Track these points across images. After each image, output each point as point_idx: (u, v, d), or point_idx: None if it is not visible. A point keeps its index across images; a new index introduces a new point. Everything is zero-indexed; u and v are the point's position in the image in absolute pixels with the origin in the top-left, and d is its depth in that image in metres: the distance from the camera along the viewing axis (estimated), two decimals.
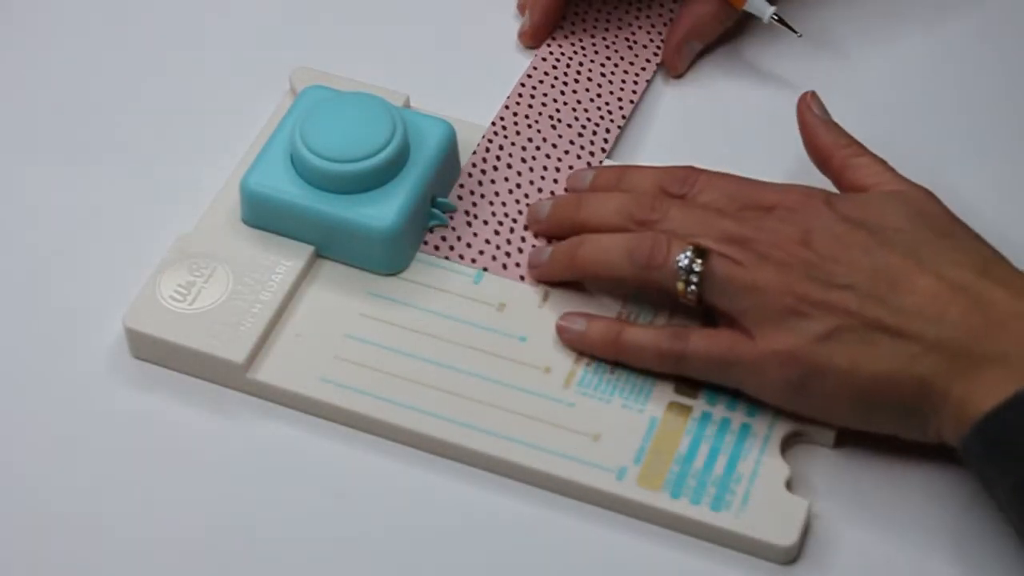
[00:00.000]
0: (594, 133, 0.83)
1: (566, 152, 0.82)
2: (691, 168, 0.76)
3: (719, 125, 0.85)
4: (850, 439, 0.72)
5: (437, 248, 0.78)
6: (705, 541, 0.70)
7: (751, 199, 0.74)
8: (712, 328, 0.72)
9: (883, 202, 0.72)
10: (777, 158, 0.81)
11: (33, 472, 0.72)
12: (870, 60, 0.87)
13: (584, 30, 0.87)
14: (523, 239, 0.78)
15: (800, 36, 0.85)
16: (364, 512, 0.71)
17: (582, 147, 0.82)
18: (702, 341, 0.72)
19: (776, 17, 0.84)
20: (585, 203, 0.77)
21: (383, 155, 0.76)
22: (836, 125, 0.77)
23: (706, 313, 0.73)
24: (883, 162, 0.75)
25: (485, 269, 0.77)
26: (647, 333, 0.73)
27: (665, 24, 0.87)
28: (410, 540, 0.70)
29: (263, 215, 0.77)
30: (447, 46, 0.88)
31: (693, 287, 0.71)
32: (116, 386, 0.74)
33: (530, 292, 0.76)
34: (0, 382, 0.75)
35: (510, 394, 0.73)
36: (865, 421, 0.70)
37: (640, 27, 0.87)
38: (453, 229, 0.79)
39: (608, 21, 0.88)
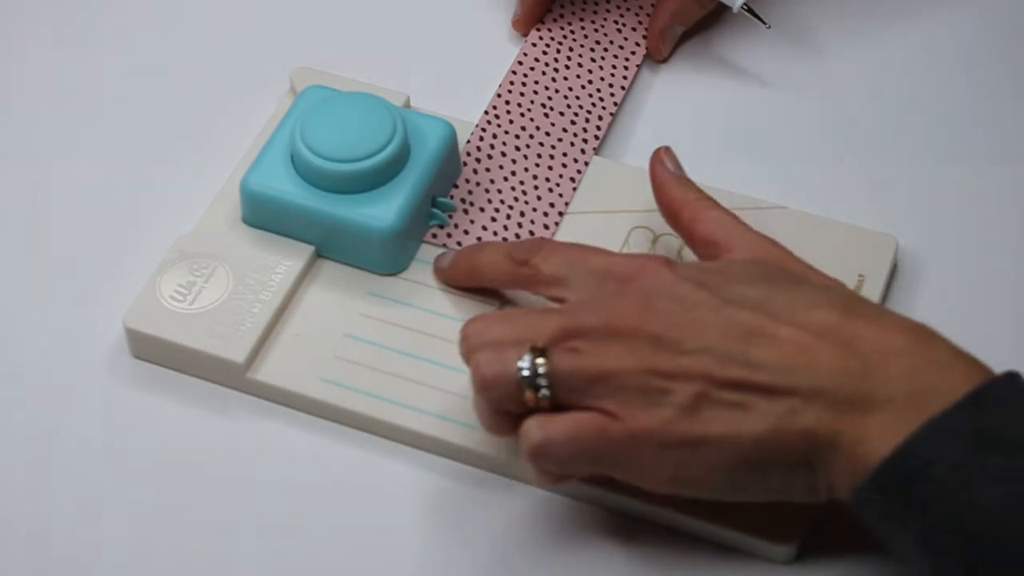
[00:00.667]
0: (587, 120, 0.83)
1: (559, 140, 0.82)
2: (539, 239, 0.74)
3: (707, 112, 0.85)
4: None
5: (435, 236, 0.78)
6: (705, 541, 0.70)
7: (588, 269, 0.70)
8: (580, 414, 0.66)
9: (725, 262, 0.70)
10: (759, 144, 0.82)
11: (33, 471, 0.72)
12: (846, 53, 0.87)
13: (573, 13, 0.88)
14: (520, 225, 0.78)
15: (769, 27, 0.85)
16: (364, 511, 0.71)
17: (575, 135, 0.82)
18: (563, 425, 0.66)
19: (746, 7, 0.84)
20: (476, 249, 0.75)
21: (383, 155, 0.76)
22: (688, 180, 0.75)
23: None
24: (733, 216, 0.72)
25: None
26: (524, 445, 0.67)
27: (653, 5, 0.88)
28: (410, 539, 0.70)
29: (263, 215, 0.77)
30: (447, 46, 0.88)
31: (544, 391, 0.66)
32: (116, 386, 0.75)
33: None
34: (1, 382, 0.75)
35: None
36: (753, 490, 0.66)
37: (628, 9, 0.88)
38: (450, 217, 0.79)
39: (596, 4, 0.88)
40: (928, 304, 0.78)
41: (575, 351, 0.66)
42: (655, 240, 0.78)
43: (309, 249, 0.77)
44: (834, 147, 0.84)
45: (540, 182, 0.80)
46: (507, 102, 0.83)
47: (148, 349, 0.75)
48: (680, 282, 0.67)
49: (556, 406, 0.66)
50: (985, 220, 0.81)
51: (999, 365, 0.75)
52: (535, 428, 0.66)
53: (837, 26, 0.88)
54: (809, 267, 0.70)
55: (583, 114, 0.83)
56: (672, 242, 0.78)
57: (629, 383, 0.65)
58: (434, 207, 0.79)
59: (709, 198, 0.74)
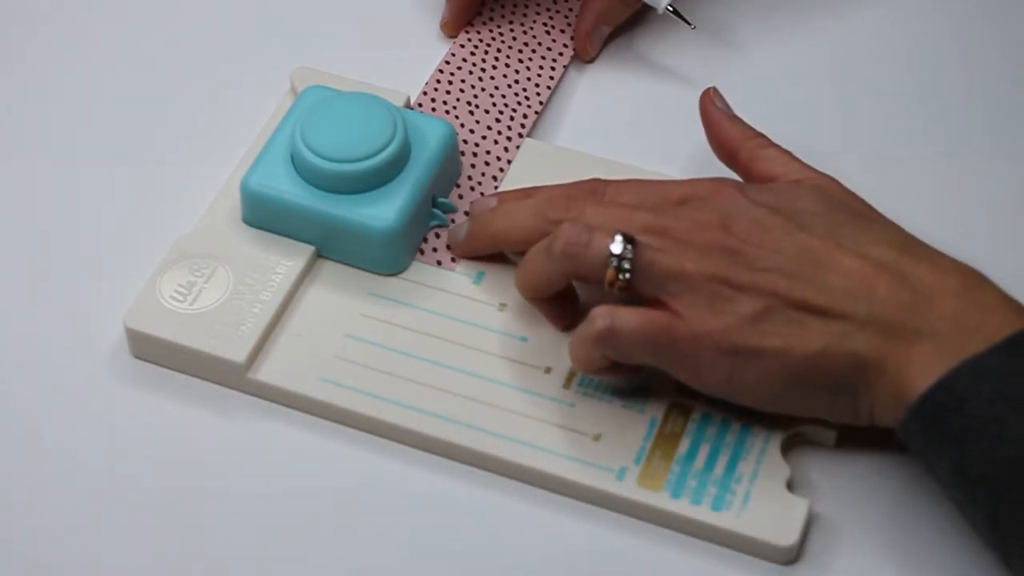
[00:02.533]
0: (511, 119, 0.83)
1: (483, 137, 0.82)
2: (598, 180, 0.76)
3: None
4: (850, 439, 0.72)
5: (438, 236, 0.79)
6: (706, 541, 0.70)
7: (661, 196, 0.73)
8: (642, 308, 0.71)
9: (794, 189, 0.73)
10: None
11: (33, 472, 0.72)
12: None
13: (503, 16, 0.88)
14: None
15: (694, 28, 0.85)
16: (364, 512, 0.71)
17: (499, 132, 0.82)
18: (633, 317, 0.70)
19: (671, 8, 0.85)
20: (497, 215, 0.77)
21: (384, 155, 0.76)
22: (740, 119, 0.78)
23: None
24: (789, 153, 0.75)
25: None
26: (587, 326, 0.71)
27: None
28: (410, 540, 0.70)
29: (264, 215, 0.77)
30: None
31: (626, 273, 0.70)
32: (116, 386, 0.74)
33: None
34: (1, 382, 0.75)
35: (511, 394, 0.73)
36: (799, 404, 0.70)
37: (558, 12, 0.88)
38: (451, 219, 0.79)
39: (526, 7, 0.88)
40: None
41: (658, 248, 0.70)
42: None
43: (309, 249, 0.77)
44: (836, 149, 0.84)
45: (463, 180, 0.80)
46: (432, 100, 0.83)
47: (148, 349, 0.75)
48: (755, 206, 0.71)
49: (625, 291, 0.70)
50: (986, 221, 0.81)
51: None
52: (606, 314, 0.70)
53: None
54: (865, 202, 0.73)
55: (508, 112, 0.83)
56: None
57: (701, 287, 0.69)
58: (434, 207, 0.79)
59: (764, 136, 0.77)
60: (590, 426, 0.72)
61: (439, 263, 0.78)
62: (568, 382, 0.74)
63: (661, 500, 0.70)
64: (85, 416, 0.74)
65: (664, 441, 0.72)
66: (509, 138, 0.82)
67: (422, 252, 0.78)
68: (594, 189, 0.75)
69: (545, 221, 0.74)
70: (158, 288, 0.75)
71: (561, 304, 0.75)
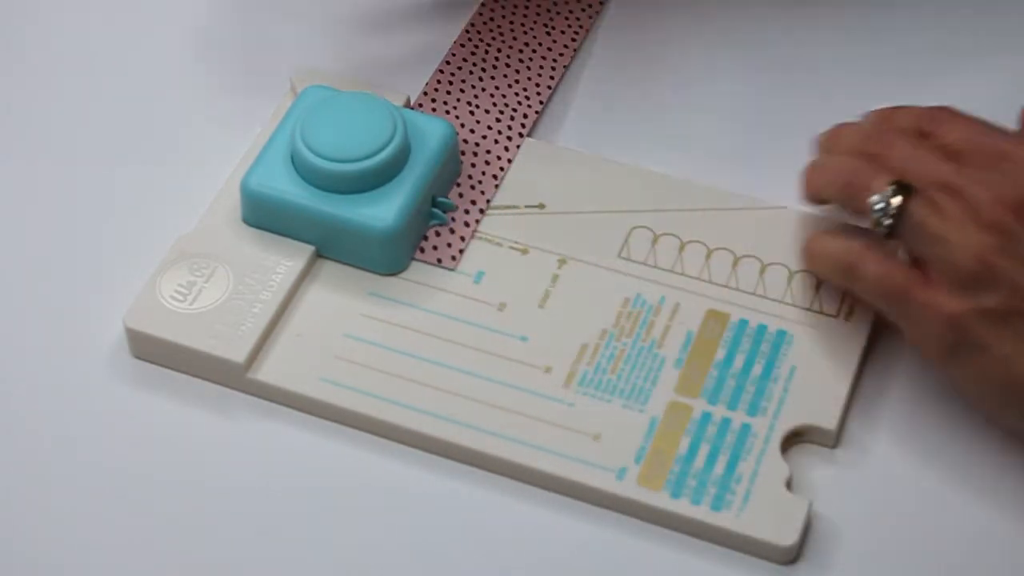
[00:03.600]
0: (511, 119, 0.83)
1: (484, 137, 0.82)
2: (946, 109, 0.74)
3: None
4: (850, 439, 0.72)
5: (438, 234, 0.78)
6: (705, 541, 0.70)
7: (990, 144, 0.71)
8: (896, 260, 0.71)
9: None
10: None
11: (33, 472, 0.72)
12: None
13: (503, 16, 0.88)
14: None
15: None
16: (364, 512, 0.71)
17: (500, 132, 0.82)
18: (880, 267, 0.70)
19: None
20: (834, 133, 0.76)
21: (384, 155, 0.76)
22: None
23: None
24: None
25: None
26: (837, 243, 0.73)
27: (584, 10, 0.88)
28: (410, 540, 0.70)
29: (263, 215, 0.77)
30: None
31: (888, 221, 0.70)
32: (116, 386, 0.74)
33: (531, 292, 0.77)
34: (1, 382, 0.75)
35: (510, 394, 0.73)
36: (1012, 414, 0.69)
37: (558, 12, 0.88)
38: (452, 219, 0.79)
39: (527, 7, 0.88)
40: None
41: (936, 207, 0.68)
42: (656, 240, 0.78)
43: (309, 249, 0.77)
44: None
45: (463, 179, 0.80)
46: (432, 100, 0.84)
47: (148, 349, 0.75)
48: None
49: (892, 237, 0.70)
50: None
51: None
52: (856, 251, 0.71)
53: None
54: None
55: (508, 112, 0.83)
56: (674, 242, 0.78)
57: (960, 262, 0.67)
58: (434, 207, 0.79)
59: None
60: (590, 426, 0.72)
61: (439, 262, 0.78)
62: (568, 382, 0.74)
63: (661, 500, 0.70)
64: (85, 416, 0.74)
65: (664, 441, 0.72)
66: (509, 138, 0.83)
67: (422, 251, 0.78)
68: (935, 117, 0.73)
69: (859, 154, 0.73)
70: (158, 288, 0.75)
71: None
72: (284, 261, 0.77)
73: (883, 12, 0.88)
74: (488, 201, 0.80)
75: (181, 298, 0.75)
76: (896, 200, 0.70)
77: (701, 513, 0.70)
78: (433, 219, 0.79)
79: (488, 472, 0.72)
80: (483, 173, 0.81)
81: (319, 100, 0.79)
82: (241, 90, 0.85)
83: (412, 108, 0.83)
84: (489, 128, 0.83)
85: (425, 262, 0.78)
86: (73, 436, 0.73)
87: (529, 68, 0.86)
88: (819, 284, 0.76)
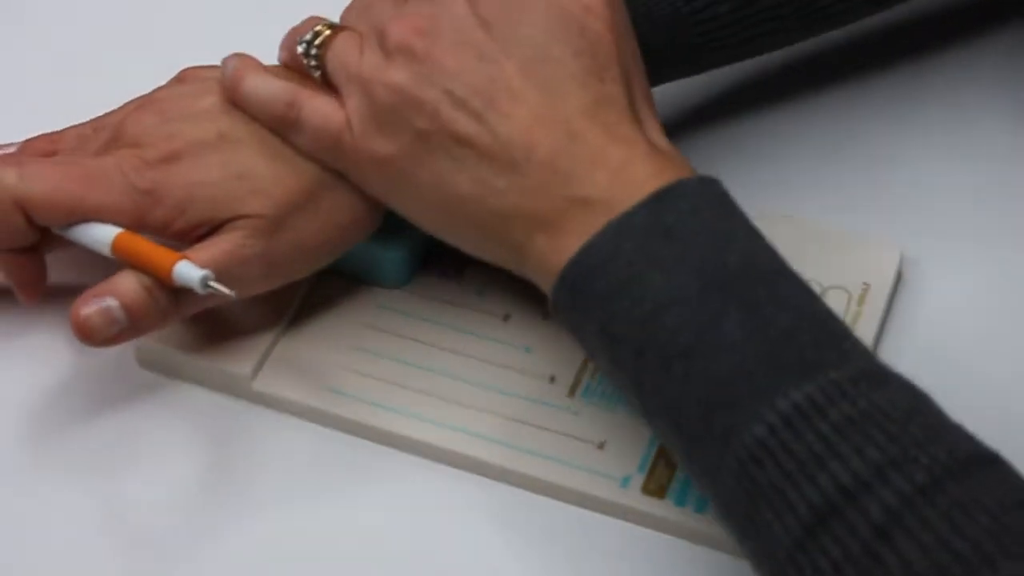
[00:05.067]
0: None
1: None
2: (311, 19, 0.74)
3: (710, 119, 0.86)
4: None
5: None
6: (709, 548, 0.70)
7: None
8: (333, 104, 0.70)
9: (540, 10, 0.67)
10: None
11: (38, 482, 0.73)
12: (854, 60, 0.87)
13: None
14: None
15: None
16: (369, 520, 0.71)
17: None
18: (317, 115, 0.70)
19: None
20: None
21: None
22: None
23: None
24: None
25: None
26: (270, 85, 0.71)
27: None
28: (415, 548, 0.70)
29: None
30: None
31: (313, 61, 0.70)
32: (122, 396, 0.75)
33: (535, 303, 0.77)
34: (5, 393, 0.75)
35: (515, 403, 0.73)
36: (453, 236, 0.70)
37: None
38: None
39: None
40: (933, 312, 0.78)
41: (355, 43, 0.69)
42: None
43: None
44: (838, 155, 0.84)
45: None
46: None
47: (154, 359, 0.75)
48: (470, 15, 0.67)
49: (326, 81, 0.70)
50: (989, 228, 0.81)
51: (1002, 372, 0.75)
52: (303, 96, 0.70)
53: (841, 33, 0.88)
54: (612, 32, 0.68)
55: None
56: None
57: (375, 94, 0.67)
58: None
59: None
60: (594, 434, 0.72)
61: (443, 274, 0.78)
62: (572, 391, 0.74)
63: (665, 508, 0.70)
64: (91, 426, 0.74)
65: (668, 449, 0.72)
66: None
67: (427, 264, 0.78)
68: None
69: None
70: None
71: None
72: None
73: None
74: None
75: None
76: (320, 38, 0.70)
77: (705, 521, 0.70)
78: None
79: (493, 481, 0.72)
80: None
81: None
82: None
83: None
84: None
85: (430, 274, 0.78)
86: (78, 446, 0.73)
87: None
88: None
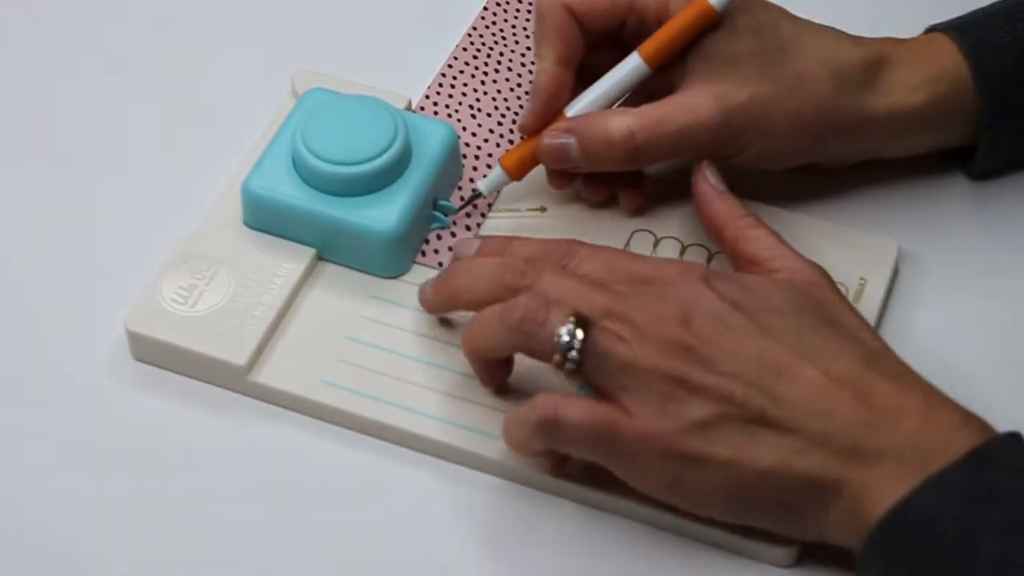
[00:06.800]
0: (513, 122, 0.83)
1: (485, 140, 0.82)
2: (573, 241, 0.73)
3: None
4: None
5: (439, 237, 0.78)
6: (708, 545, 0.70)
7: (628, 272, 0.70)
8: (589, 400, 0.68)
9: (765, 285, 0.69)
10: None
11: (34, 474, 0.72)
12: None
13: (505, 19, 0.88)
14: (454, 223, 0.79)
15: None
16: (365, 514, 0.71)
17: (501, 135, 0.82)
18: (578, 410, 0.67)
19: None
20: (456, 271, 0.74)
21: (385, 158, 0.76)
22: (730, 195, 0.75)
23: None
24: (776, 235, 0.72)
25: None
26: (523, 408, 0.69)
27: None
28: (411, 541, 0.70)
29: (265, 217, 0.77)
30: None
31: (574, 363, 0.67)
32: (117, 388, 0.74)
33: None
34: (2, 383, 0.75)
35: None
36: (743, 516, 0.68)
37: None
38: (453, 222, 0.79)
39: (528, 10, 0.88)
40: (928, 309, 0.78)
41: (616, 335, 0.67)
42: (656, 243, 0.78)
43: (310, 252, 0.77)
44: None
45: (464, 182, 0.81)
46: (434, 103, 0.84)
47: (149, 351, 0.75)
48: (720, 300, 0.68)
49: (575, 377, 0.67)
50: (986, 225, 0.81)
51: (998, 370, 0.76)
52: (550, 403, 0.67)
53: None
54: (843, 299, 0.70)
55: (509, 115, 0.83)
56: (675, 245, 0.78)
57: (654, 384, 0.66)
58: (435, 210, 0.79)
59: (752, 215, 0.74)
60: None
61: (440, 265, 0.78)
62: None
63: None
64: (86, 418, 0.74)
65: None
66: (511, 141, 0.83)
67: (423, 254, 0.78)
68: (567, 251, 0.72)
69: (501, 287, 0.71)
70: (159, 290, 0.75)
71: (497, 365, 0.73)
72: (285, 264, 0.77)
73: None
74: (489, 204, 0.80)
75: (182, 300, 0.75)
76: (580, 333, 0.67)
77: (702, 518, 0.70)
78: (434, 222, 0.79)
79: (489, 474, 0.72)
80: (484, 176, 0.81)
81: (320, 102, 0.79)
82: (242, 92, 0.85)
83: (414, 111, 0.83)
84: (491, 131, 0.83)
85: (426, 265, 0.78)
86: (74, 438, 0.73)
87: (531, 72, 0.86)
88: None
